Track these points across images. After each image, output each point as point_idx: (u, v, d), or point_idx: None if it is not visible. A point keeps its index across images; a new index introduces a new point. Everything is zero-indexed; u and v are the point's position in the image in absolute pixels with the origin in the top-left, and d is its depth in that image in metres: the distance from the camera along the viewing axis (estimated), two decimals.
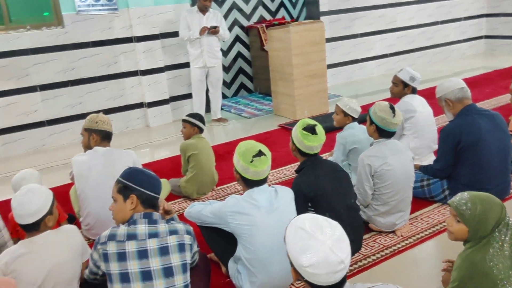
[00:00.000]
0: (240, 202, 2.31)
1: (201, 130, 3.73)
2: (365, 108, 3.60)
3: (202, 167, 3.63)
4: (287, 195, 2.42)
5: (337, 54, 7.48)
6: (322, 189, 2.55)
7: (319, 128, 2.62)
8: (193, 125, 3.69)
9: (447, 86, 3.15)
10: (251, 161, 2.28)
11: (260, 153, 2.31)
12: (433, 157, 3.61)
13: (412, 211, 3.09)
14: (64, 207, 3.41)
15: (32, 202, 2.09)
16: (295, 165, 4.21)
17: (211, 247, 2.58)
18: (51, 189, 2.28)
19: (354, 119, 3.42)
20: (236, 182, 3.91)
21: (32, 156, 5.18)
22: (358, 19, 7.56)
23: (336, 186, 2.61)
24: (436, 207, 3.24)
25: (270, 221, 2.29)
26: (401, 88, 3.74)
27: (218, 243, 2.53)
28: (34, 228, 2.11)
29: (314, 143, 2.59)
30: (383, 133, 2.85)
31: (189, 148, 3.64)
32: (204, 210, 2.47)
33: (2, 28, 5.15)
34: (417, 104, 3.71)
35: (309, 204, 2.61)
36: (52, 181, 4.14)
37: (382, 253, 2.76)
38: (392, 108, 2.79)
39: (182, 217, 3.40)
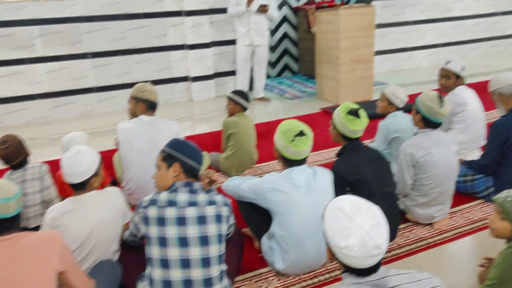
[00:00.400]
0: (278, 180, 2.33)
1: (244, 108, 3.74)
2: (412, 98, 3.51)
3: (241, 146, 3.66)
4: (326, 177, 2.42)
5: (385, 40, 7.28)
6: (362, 174, 2.53)
7: (362, 112, 2.59)
8: (237, 103, 3.71)
9: (503, 80, 3.02)
10: (292, 140, 2.29)
11: (301, 133, 2.32)
12: (479, 153, 3.49)
13: (453, 206, 3.01)
14: (107, 172, 3.55)
15: (81, 162, 2.19)
16: (335, 149, 4.18)
17: (246, 222, 2.63)
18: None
19: (398, 108, 3.33)
20: (274, 161, 3.94)
21: (79, 121, 5.39)
22: (411, 6, 7.31)
23: (376, 173, 2.57)
24: (478, 203, 3.15)
25: (307, 201, 2.30)
26: (454, 80, 3.60)
27: (253, 218, 2.57)
28: (81, 187, 2.21)
29: (358, 127, 2.57)
30: (428, 123, 2.77)
31: (231, 126, 3.67)
32: (242, 184, 2.51)
33: None
34: (468, 96, 3.57)
35: (348, 189, 2.60)
36: (97, 145, 4.26)
37: (417, 245, 2.72)
38: (440, 98, 2.70)
39: (219, 191, 3.47)
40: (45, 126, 5.28)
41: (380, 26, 6.98)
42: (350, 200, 1.47)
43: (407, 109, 3.39)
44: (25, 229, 2.68)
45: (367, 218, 1.41)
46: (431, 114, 2.71)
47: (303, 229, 2.31)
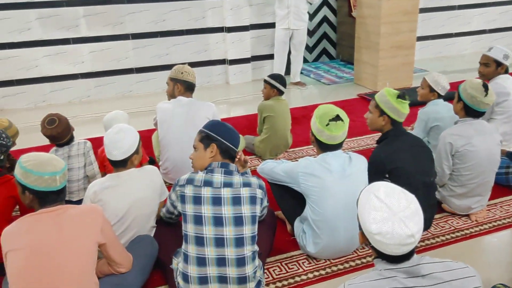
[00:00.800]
0: (313, 164, 2.34)
1: (280, 92, 3.73)
2: (454, 86, 3.41)
3: (276, 129, 3.67)
4: (361, 163, 2.41)
5: (429, 26, 7.04)
6: (402, 162, 2.48)
7: (407, 96, 2.56)
8: (273, 86, 3.70)
9: None
10: (327, 125, 2.29)
11: (337, 118, 2.31)
12: None
13: (492, 198, 2.93)
14: (145, 151, 3.65)
15: (123, 140, 2.27)
16: (371, 136, 4.13)
17: (279, 205, 2.65)
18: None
19: (439, 96, 3.24)
20: (309, 147, 3.94)
21: (119, 100, 5.54)
22: None
23: (416, 161, 2.52)
24: None
25: (341, 187, 2.30)
26: (494, 68, 3.46)
27: (286, 201, 2.59)
28: (122, 164, 2.30)
29: (407, 111, 2.54)
30: (470, 112, 2.69)
31: (266, 110, 3.68)
32: (276, 168, 2.53)
33: None
34: (510, 85, 3.43)
35: (386, 176, 2.57)
36: (136, 125, 4.32)
37: (453, 235, 2.68)
38: (485, 87, 2.62)
39: (254, 174, 3.51)
40: (86, 105, 5.46)
41: (424, 10, 6.75)
42: (386, 187, 1.46)
43: (448, 97, 3.30)
44: (69, 202, 2.81)
45: (402, 206, 1.39)
46: (474, 103, 2.63)
47: (335, 214, 2.32)
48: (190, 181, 2.04)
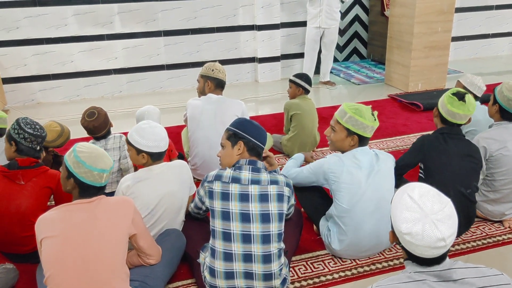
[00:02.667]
0: (343, 160, 2.33)
1: (306, 91, 3.73)
2: (489, 89, 3.32)
3: (304, 127, 3.67)
4: (388, 160, 2.40)
5: (464, 26, 6.86)
6: (443, 163, 2.45)
7: (470, 98, 2.49)
8: (298, 85, 3.71)
9: None
10: (374, 119, 2.31)
11: (372, 111, 2.34)
12: None
13: None
14: (175, 146, 3.71)
15: (162, 132, 2.37)
16: (400, 138, 4.07)
17: (303, 205, 2.64)
18: (166, 128, 2.49)
19: (476, 98, 3.16)
20: None
21: (150, 96, 5.64)
22: None
23: (457, 168, 2.45)
24: None
25: (369, 183, 2.30)
26: None
27: (310, 201, 2.59)
28: (160, 157, 2.36)
29: (458, 110, 2.47)
30: (506, 115, 2.62)
31: (293, 108, 3.68)
32: (300, 174, 2.51)
33: None
34: None
35: (421, 167, 2.55)
36: (167, 121, 4.47)
37: (484, 241, 2.61)
38: None
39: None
40: (119, 100, 5.57)
41: (459, 10, 6.58)
42: (421, 188, 1.43)
43: (484, 100, 3.21)
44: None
45: (436, 209, 1.37)
46: (510, 106, 2.56)
47: (362, 210, 2.30)
48: (218, 178, 2.07)
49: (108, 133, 3.03)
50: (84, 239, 1.77)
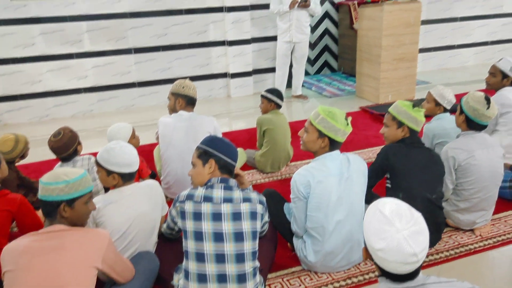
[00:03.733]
0: (311, 171, 2.32)
1: (278, 106, 3.74)
2: (457, 99, 3.39)
3: (276, 142, 3.66)
4: (360, 164, 2.40)
5: (431, 38, 7.06)
6: (407, 169, 2.51)
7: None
8: (270, 100, 3.72)
9: None
10: (347, 124, 2.31)
11: (346, 116, 2.35)
12: None
13: (496, 212, 2.90)
14: (147, 165, 3.65)
15: (133, 151, 2.33)
16: (372, 150, 4.11)
17: (275, 224, 2.54)
18: (138, 147, 2.45)
19: (445, 110, 3.22)
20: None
21: (122, 114, 5.56)
22: (459, 1, 7.04)
23: (422, 174, 2.52)
24: None
25: (341, 189, 2.30)
26: (499, 79, 3.47)
27: (282, 219, 2.55)
28: (133, 176, 2.32)
29: (423, 119, 2.60)
30: (472, 125, 2.67)
31: (265, 123, 3.68)
32: (294, 208, 2.42)
33: None
34: None
35: (387, 177, 2.59)
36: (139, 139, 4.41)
37: (456, 251, 2.64)
38: (487, 100, 2.60)
39: (256, 187, 3.50)
40: (89, 119, 5.47)
41: (426, 22, 6.78)
42: (392, 204, 1.44)
43: (453, 109, 3.29)
44: None
45: (407, 224, 1.37)
46: (476, 116, 2.62)
47: (335, 217, 2.30)
48: (190, 197, 2.03)
49: (74, 154, 2.95)
50: (48, 272, 1.69)
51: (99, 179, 2.83)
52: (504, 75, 3.44)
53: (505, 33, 7.54)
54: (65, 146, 2.87)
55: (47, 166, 3.72)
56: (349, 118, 2.35)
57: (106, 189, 2.96)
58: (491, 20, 7.36)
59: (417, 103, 2.58)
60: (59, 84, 5.42)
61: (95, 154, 3.14)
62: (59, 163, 2.95)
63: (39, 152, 3.92)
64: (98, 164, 2.30)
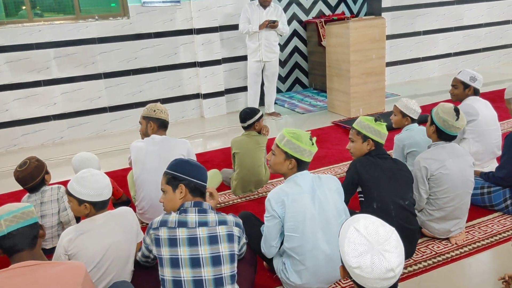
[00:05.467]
0: (284, 190, 2.31)
1: (246, 128, 3.70)
2: (425, 109, 3.49)
3: (244, 166, 3.60)
4: (332, 182, 2.40)
5: (397, 51, 7.26)
6: (376, 177, 2.58)
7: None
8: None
9: None
10: (312, 144, 2.33)
11: (311, 136, 2.38)
12: (496, 164, 3.42)
13: (469, 219, 2.95)
14: (120, 189, 3.58)
15: (105, 179, 2.27)
16: (347, 164, 4.15)
17: (254, 248, 2.50)
18: (110, 172, 2.41)
19: (413, 120, 3.30)
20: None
21: (94, 140, 5.46)
22: (421, 16, 7.29)
23: (392, 182, 2.59)
24: (496, 216, 3.08)
25: (315, 206, 2.29)
26: (462, 89, 3.59)
27: (258, 240, 2.52)
28: (106, 204, 2.26)
29: (386, 132, 2.70)
30: (442, 135, 2.74)
31: (234, 146, 3.66)
32: (266, 227, 2.39)
33: (72, 18, 5.43)
34: (480, 106, 3.52)
35: (360, 190, 2.64)
36: (112, 165, 4.34)
37: (434, 260, 2.66)
38: (457, 111, 2.68)
39: (232, 207, 3.47)
40: (60, 146, 5.35)
41: (391, 37, 6.98)
42: (365, 219, 1.44)
43: (421, 120, 3.37)
44: (42, 250, 2.69)
45: (381, 239, 1.38)
46: (446, 127, 2.69)
47: (312, 235, 2.28)
48: (163, 223, 1.99)
49: (42, 184, 2.86)
50: None
51: (70, 209, 2.77)
52: (466, 86, 3.56)
53: (467, 45, 7.83)
54: (31, 176, 2.79)
55: (14, 198, 3.61)
56: (314, 138, 2.38)
57: (78, 219, 2.88)
58: (452, 33, 7.63)
59: (378, 118, 2.69)
60: (27, 112, 5.30)
61: (65, 183, 3.08)
62: (27, 194, 2.85)
63: (8, 183, 3.80)
64: (69, 194, 2.24)
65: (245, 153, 3.60)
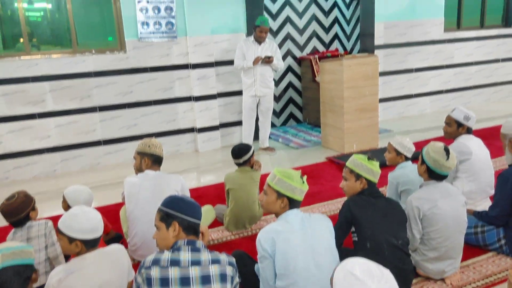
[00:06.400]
0: (273, 228, 2.29)
1: (239, 165, 3.70)
2: (417, 146, 3.51)
3: (237, 202, 3.58)
4: (323, 220, 2.39)
5: (389, 88, 7.38)
6: (369, 217, 2.56)
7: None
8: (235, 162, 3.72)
9: None
10: (303, 182, 2.34)
11: (301, 175, 2.39)
12: (489, 203, 3.43)
13: (464, 259, 2.93)
14: (113, 226, 3.54)
15: (98, 216, 2.24)
16: (341, 200, 4.14)
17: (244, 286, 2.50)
18: (103, 207, 2.38)
19: (407, 158, 3.32)
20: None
21: (87, 174, 5.42)
22: (413, 53, 7.46)
23: (385, 221, 2.57)
24: (490, 256, 3.06)
25: (306, 245, 2.26)
26: (455, 128, 3.62)
27: (254, 282, 2.49)
28: (97, 242, 2.22)
29: (379, 170, 2.70)
30: (433, 175, 2.76)
31: (228, 182, 3.64)
32: (261, 268, 2.36)
33: (70, 51, 5.50)
34: (473, 145, 3.55)
35: (353, 230, 2.61)
36: (105, 198, 4.30)
37: None
38: (447, 151, 2.70)
39: (226, 244, 3.42)
40: (52, 179, 5.31)
41: (383, 74, 7.11)
42: (361, 263, 1.44)
43: (415, 157, 3.39)
44: None
45: (379, 283, 1.37)
46: (436, 166, 2.70)
47: (304, 273, 2.24)
48: (156, 262, 1.96)
49: (26, 219, 2.81)
50: None
51: (60, 247, 2.73)
52: (459, 124, 3.60)
53: (458, 82, 7.99)
54: (16, 210, 2.75)
55: (1, 233, 3.54)
56: (304, 177, 2.40)
57: (67, 256, 2.83)
58: (443, 70, 7.80)
59: (371, 156, 2.71)
60: (20, 145, 5.28)
61: (56, 217, 3.04)
62: (12, 230, 2.80)
63: None
64: (59, 231, 2.20)
65: (240, 189, 3.59)
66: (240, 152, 3.69)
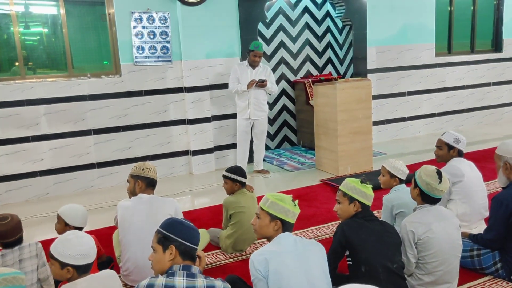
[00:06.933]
0: (266, 249, 2.29)
1: (243, 185, 3.70)
2: (411, 168, 3.53)
3: (243, 225, 3.56)
4: (315, 245, 2.39)
5: (383, 111, 7.46)
6: (363, 240, 2.54)
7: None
8: (235, 181, 3.66)
9: None
10: (295, 205, 2.36)
11: (293, 198, 2.41)
12: (484, 225, 3.43)
13: (460, 283, 2.90)
14: (106, 250, 3.49)
15: (90, 241, 2.21)
16: (335, 223, 4.12)
17: None
18: (96, 230, 2.35)
19: (401, 181, 3.34)
20: None
21: (80, 196, 5.37)
22: (405, 77, 7.57)
23: (379, 244, 2.55)
24: (487, 280, 3.04)
25: (298, 265, 2.25)
26: (446, 151, 3.65)
27: None
28: (88, 269, 2.18)
29: (372, 193, 2.70)
30: (426, 198, 2.76)
31: (232, 206, 3.60)
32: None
33: (65, 75, 5.52)
34: (465, 168, 3.58)
35: (347, 254, 2.59)
36: (98, 222, 4.26)
37: None
38: (439, 174, 2.71)
39: (219, 268, 3.38)
40: (45, 202, 5.25)
41: (377, 97, 7.19)
42: None
43: (409, 179, 3.40)
44: None
45: None
46: (429, 190, 2.71)
47: None
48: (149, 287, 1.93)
49: (20, 240, 2.78)
50: None
51: (51, 272, 2.68)
52: (450, 147, 3.63)
53: (450, 105, 8.09)
54: (13, 230, 2.71)
55: None
56: (296, 201, 2.42)
57: (57, 282, 2.78)
58: (436, 94, 7.90)
59: (364, 180, 2.72)
60: (13, 168, 5.24)
61: (47, 241, 3.00)
62: (1, 252, 2.75)
63: None
64: (51, 256, 2.17)
65: (245, 212, 3.56)
66: (242, 171, 3.71)
